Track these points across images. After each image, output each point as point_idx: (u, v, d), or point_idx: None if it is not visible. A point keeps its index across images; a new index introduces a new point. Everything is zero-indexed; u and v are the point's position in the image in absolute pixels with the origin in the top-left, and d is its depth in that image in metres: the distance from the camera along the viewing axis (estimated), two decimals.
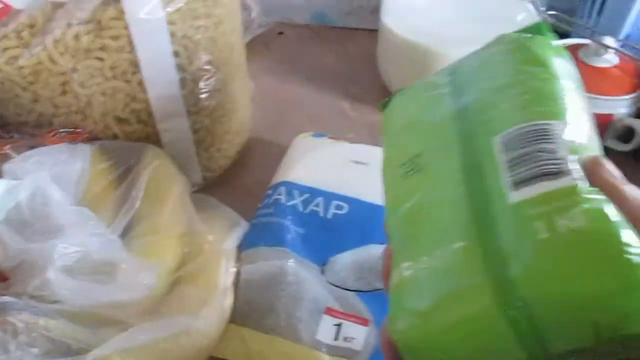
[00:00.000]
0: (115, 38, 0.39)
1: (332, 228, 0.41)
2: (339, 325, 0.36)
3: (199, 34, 0.42)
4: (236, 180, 0.52)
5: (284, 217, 0.42)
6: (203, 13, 0.41)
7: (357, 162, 0.46)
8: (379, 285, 0.38)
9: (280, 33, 0.71)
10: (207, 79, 0.44)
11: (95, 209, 0.37)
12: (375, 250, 0.40)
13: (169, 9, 0.39)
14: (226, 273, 0.36)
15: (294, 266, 0.38)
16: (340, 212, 0.42)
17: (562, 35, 0.58)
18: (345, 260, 0.39)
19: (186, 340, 0.32)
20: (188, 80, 0.43)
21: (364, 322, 0.36)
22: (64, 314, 0.28)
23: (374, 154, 0.47)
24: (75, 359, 0.26)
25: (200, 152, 0.47)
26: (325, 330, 0.36)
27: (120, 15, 0.38)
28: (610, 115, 0.50)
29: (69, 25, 0.38)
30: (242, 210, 0.45)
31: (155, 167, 0.41)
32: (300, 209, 0.43)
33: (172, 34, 0.40)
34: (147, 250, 0.35)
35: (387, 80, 0.60)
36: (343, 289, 0.38)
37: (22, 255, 0.31)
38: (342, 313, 0.37)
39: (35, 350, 0.26)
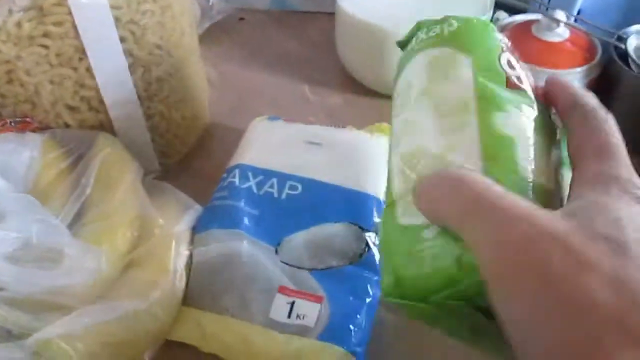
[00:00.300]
0: (58, 24, 0.38)
1: (286, 209, 0.42)
2: (292, 303, 0.36)
3: (145, 18, 0.41)
4: (195, 166, 0.52)
5: (238, 200, 0.42)
6: None
7: (310, 143, 0.46)
8: (333, 262, 0.39)
9: (241, 19, 0.70)
10: (158, 64, 0.44)
11: (46, 197, 0.37)
12: (328, 229, 0.40)
13: None
14: (178, 256, 0.36)
15: (247, 247, 0.38)
16: (294, 192, 0.42)
17: (518, 11, 0.59)
18: (298, 239, 0.40)
19: (134, 323, 0.32)
20: (138, 66, 0.43)
21: (317, 299, 0.37)
22: (6, 300, 0.28)
23: (328, 135, 0.47)
24: (15, 344, 0.26)
25: (155, 138, 0.47)
26: (278, 308, 0.36)
27: (63, 0, 0.37)
28: None
29: (10, 12, 0.37)
30: (201, 196, 0.44)
31: (106, 154, 0.41)
32: (255, 190, 0.43)
33: (117, 19, 0.39)
34: (97, 236, 0.35)
35: (346, 63, 0.60)
36: (297, 267, 0.38)
37: None
38: (295, 291, 0.37)
39: None
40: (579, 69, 0.50)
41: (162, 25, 0.43)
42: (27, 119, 0.42)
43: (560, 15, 0.51)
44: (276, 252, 0.39)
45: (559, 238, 0.19)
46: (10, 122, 0.42)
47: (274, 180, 0.43)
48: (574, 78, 0.50)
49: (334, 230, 0.40)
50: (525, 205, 0.21)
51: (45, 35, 0.38)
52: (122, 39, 0.41)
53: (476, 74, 0.27)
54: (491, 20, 0.55)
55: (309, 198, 0.42)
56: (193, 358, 0.37)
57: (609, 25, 0.53)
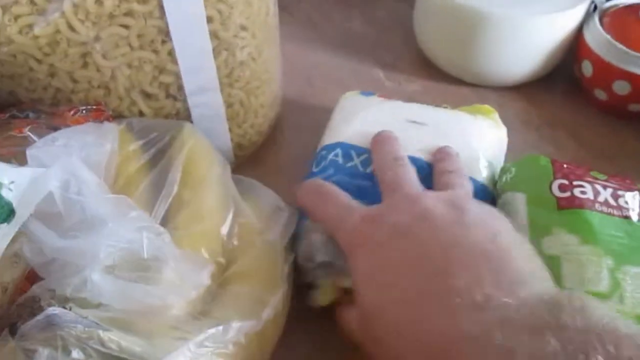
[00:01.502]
0: (143, 2, 0.34)
1: None
2: None
3: None
4: (267, 158, 0.48)
5: (346, 176, 0.38)
6: None
7: (413, 122, 0.42)
8: None
9: None
10: (242, 47, 0.40)
11: (127, 196, 0.33)
12: None
13: None
14: (282, 267, 0.32)
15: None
16: None
17: None
18: None
19: (246, 345, 0.28)
20: (221, 49, 0.38)
21: None
22: (115, 322, 0.24)
23: (431, 115, 0.43)
24: None
25: (233, 128, 0.43)
26: None
27: None
28: None
29: None
30: (276, 190, 0.40)
31: (191, 146, 0.37)
32: (360, 169, 0.39)
33: None
34: (193, 245, 0.31)
35: (425, 46, 0.55)
36: None
37: (57, 253, 0.27)
38: None
39: None
40: None
41: (250, 3, 0.39)
42: (100, 107, 0.38)
43: None
44: None
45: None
46: (82, 110, 0.38)
47: None
48: None
49: None
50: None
51: (128, 14, 0.34)
52: (209, 19, 0.36)
53: (528, 206, 0.35)
54: (591, 5, 0.50)
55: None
56: None
57: None
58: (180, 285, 0.27)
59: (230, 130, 0.43)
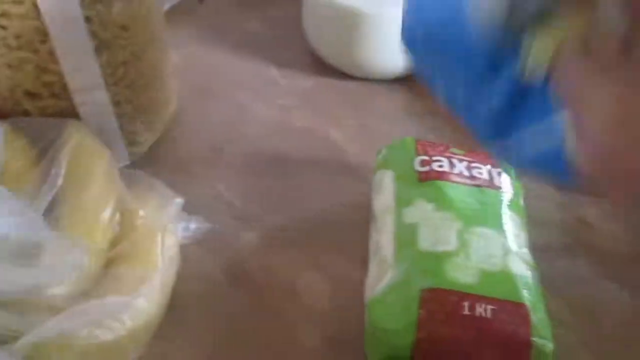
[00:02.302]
0: (17, 3, 0.35)
1: None
2: None
3: None
4: (165, 154, 0.49)
5: None
6: None
7: None
8: None
9: (201, 1, 0.67)
10: (124, 46, 0.41)
11: (13, 189, 0.34)
12: None
13: None
14: (164, 249, 0.34)
15: None
16: None
17: None
18: None
19: (127, 320, 0.30)
20: (103, 48, 0.40)
21: None
22: None
23: None
24: (2, 349, 0.24)
25: (123, 125, 0.44)
26: None
27: None
28: None
29: None
30: (173, 185, 0.42)
31: (76, 142, 0.38)
32: None
33: None
34: (75, 230, 0.33)
35: (315, 45, 0.58)
36: None
37: None
38: None
39: None
40: None
41: (129, 4, 0.40)
42: None
43: None
44: None
45: None
46: None
47: None
48: None
49: None
50: None
51: (3, 15, 0.35)
52: (87, 19, 0.38)
53: (395, 182, 0.39)
54: None
55: None
56: (178, 352, 0.35)
57: None
58: (58, 268, 0.29)
59: (121, 127, 0.44)
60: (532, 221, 0.40)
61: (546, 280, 0.35)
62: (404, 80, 0.57)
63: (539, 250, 0.37)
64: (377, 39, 0.53)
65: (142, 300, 0.30)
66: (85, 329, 0.27)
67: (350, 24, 0.52)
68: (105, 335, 0.28)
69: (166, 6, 0.64)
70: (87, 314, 0.27)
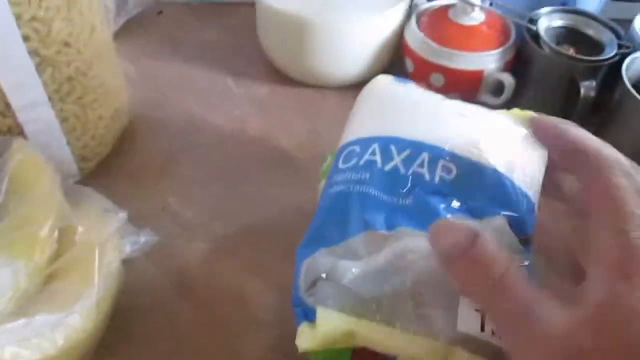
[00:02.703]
0: None
1: (438, 195, 0.31)
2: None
3: (50, 14, 0.39)
4: (117, 167, 0.50)
5: (384, 187, 0.32)
6: None
7: (462, 115, 0.35)
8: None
9: (159, 12, 0.68)
10: (68, 63, 0.42)
11: None
12: (491, 224, 0.30)
13: None
14: (102, 264, 0.34)
15: (416, 243, 0.29)
16: (446, 176, 0.32)
17: None
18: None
19: (58, 339, 0.30)
20: (46, 65, 0.40)
21: None
22: None
23: (479, 111, 0.36)
24: None
25: (71, 141, 0.45)
26: (466, 318, 0.27)
27: None
28: (481, 71, 0.52)
29: None
30: (126, 199, 0.42)
31: (19, 159, 0.38)
32: (402, 171, 0.32)
33: (18, 16, 0.37)
34: (12, 248, 0.33)
35: (269, 54, 0.59)
36: None
37: None
38: None
39: None
40: (494, 51, 0.52)
41: (70, 21, 0.41)
42: None
43: None
44: None
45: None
46: None
47: (425, 155, 0.33)
48: (492, 60, 0.52)
49: (495, 225, 0.30)
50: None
51: None
52: (26, 38, 0.38)
53: None
54: (410, 6, 0.56)
55: (463, 184, 0.32)
56: None
57: (521, 8, 0.55)
58: None
59: (69, 143, 0.44)
60: None
61: None
62: (356, 87, 0.57)
63: None
64: (325, 47, 0.53)
65: (76, 318, 0.31)
66: (12, 348, 0.27)
67: (300, 32, 0.53)
68: (33, 355, 0.28)
69: (123, 18, 0.64)
70: (14, 333, 0.27)
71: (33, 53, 0.39)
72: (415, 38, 0.54)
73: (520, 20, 0.53)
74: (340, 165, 0.34)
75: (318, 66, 0.55)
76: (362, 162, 0.33)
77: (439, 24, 0.54)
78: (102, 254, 0.35)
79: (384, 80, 0.40)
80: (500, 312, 0.23)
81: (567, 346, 0.20)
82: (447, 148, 0.33)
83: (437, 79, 0.53)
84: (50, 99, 0.41)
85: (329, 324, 0.28)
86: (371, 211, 0.31)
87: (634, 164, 0.24)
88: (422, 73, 0.54)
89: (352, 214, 0.31)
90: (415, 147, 0.33)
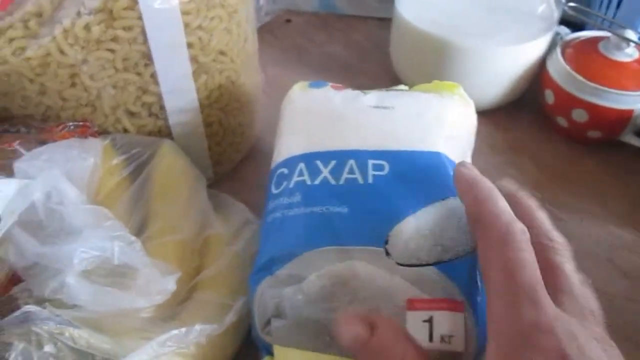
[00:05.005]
0: (127, 29, 0.37)
1: (377, 195, 0.32)
2: (429, 320, 0.27)
3: (213, 24, 0.40)
4: (246, 174, 0.50)
5: (317, 203, 0.32)
6: (218, 3, 0.40)
7: (378, 107, 0.36)
8: (459, 248, 0.29)
9: (288, 21, 0.69)
10: (221, 71, 0.43)
11: (108, 207, 0.36)
12: (440, 208, 0.30)
13: None
14: (246, 276, 0.34)
15: (357, 265, 0.29)
16: (380, 173, 0.32)
17: (579, 27, 0.57)
18: (409, 229, 0.30)
19: (207, 349, 0.30)
20: (201, 72, 0.41)
21: (457, 306, 0.27)
22: (87, 322, 0.27)
23: (396, 98, 0.37)
24: None
25: (212, 146, 0.46)
26: (414, 330, 0.27)
27: (133, 4, 0.36)
28: (630, 110, 0.49)
29: (79, 14, 0.36)
30: (252, 206, 0.43)
31: (169, 162, 0.39)
32: (332, 182, 0.33)
33: (186, 25, 0.38)
34: (165, 254, 0.34)
35: (399, 70, 0.58)
36: (418, 266, 0.28)
37: (37, 258, 0.29)
38: (427, 301, 0.28)
39: None
40: None
41: (229, 31, 0.42)
42: (87, 123, 0.41)
43: (630, 34, 0.49)
44: (387, 253, 0.29)
45: None
46: (70, 126, 0.41)
47: (352, 162, 0.33)
48: None
49: (448, 208, 0.30)
50: None
51: (114, 39, 0.37)
52: (189, 45, 0.39)
53: None
54: (556, 36, 0.54)
55: (401, 175, 0.32)
56: None
57: None
58: (148, 291, 0.30)
59: (209, 147, 0.46)
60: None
61: None
62: (486, 113, 0.56)
63: None
64: (466, 71, 0.52)
65: (228, 331, 0.31)
66: (175, 356, 0.28)
67: (440, 53, 0.52)
68: None
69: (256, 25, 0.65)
70: (176, 341, 0.28)
71: (193, 60, 0.40)
72: (559, 70, 0.51)
73: None
74: (273, 190, 0.35)
75: None
76: (291, 185, 0.34)
77: (587, 57, 0.51)
78: (247, 268, 0.35)
79: (300, 89, 0.41)
80: None
81: None
82: (371, 148, 0.34)
83: (580, 114, 0.50)
84: (200, 104, 0.43)
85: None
86: (309, 230, 0.31)
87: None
88: (563, 107, 0.51)
89: (290, 238, 0.31)
90: (340, 156, 0.34)
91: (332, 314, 0.28)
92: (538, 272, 0.23)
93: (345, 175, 0.33)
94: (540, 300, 0.22)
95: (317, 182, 0.33)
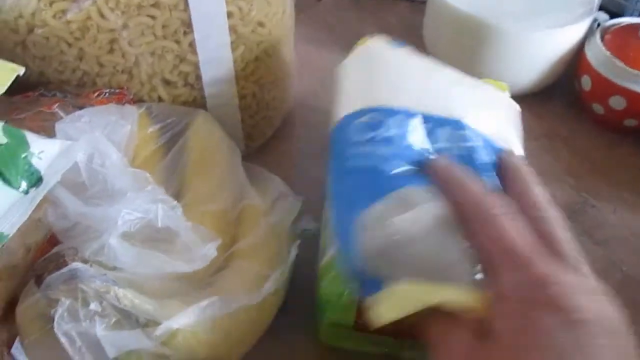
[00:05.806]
0: None
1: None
2: None
3: None
4: (277, 149, 0.50)
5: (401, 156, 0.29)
6: None
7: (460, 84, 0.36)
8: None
9: (318, 0, 0.68)
10: (259, 42, 0.42)
11: None
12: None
13: None
14: (283, 247, 0.34)
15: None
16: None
17: (616, 15, 0.56)
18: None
19: (245, 317, 0.30)
20: (239, 43, 0.41)
21: None
22: (132, 283, 0.27)
23: (472, 80, 0.37)
24: (143, 332, 0.25)
25: (245, 119, 0.45)
26: None
27: None
28: None
29: None
30: (283, 179, 0.43)
31: (205, 133, 0.39)
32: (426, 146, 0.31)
33: None
34: (202, 222, 0.34)
35: (433, 53, 0.57)
36: None
37: (80, 218, 0.29)
38: None
39: (104, 320, 0.24)
40: None
41: (268, 2, 0.41)
42: (123, 90, 0.41)
43: None
44: None
45: None
46: (106, 92, 0.40)
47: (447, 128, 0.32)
48: None
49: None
50: None
51: (155, 5, 0.37)
52: (229, 14, 0.39)
53: None
54: (594, 22, 0.53)
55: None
56: (286, 352, 0.36)
57: None
58: (189, 256, 0.30)
59: (242, 120, 0.45)
60: None
61: None
62: (521, 98, 0.55)
63: None
64: (503, 55, 0.51)
65: (266, 300, 0.31)
66: (216, 321, 0.28)
67: (476, 36, 0.51)
68: (230, 329, 0.28)
69: None
70: (218, 307, 0.28)
71: (232, 30, 0.40)
72: (598, 55, 0.50)
73: None
74: (354, 138, 0.31)
75: (488, 72, 0.53)
76: (386, 134, 0.30)
77: (627, 43, 0.50)
78: (282, 240, 0.35)
79: (379, 43, 0.40)
80: None
81: None
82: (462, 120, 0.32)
83: (618, 101, 0.49)
84: (235, 76, 0.42)
85: (406, 293, 0.26)
86: (404, 176, 0.28)
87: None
88: (600, 93, 0.50)
89: (383, 178, 0.28)
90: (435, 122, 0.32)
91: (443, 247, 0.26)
92: (529, 237, 0.25)
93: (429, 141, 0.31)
94: (534, 259, 0.24)
95: (405, 142, 0.30)
